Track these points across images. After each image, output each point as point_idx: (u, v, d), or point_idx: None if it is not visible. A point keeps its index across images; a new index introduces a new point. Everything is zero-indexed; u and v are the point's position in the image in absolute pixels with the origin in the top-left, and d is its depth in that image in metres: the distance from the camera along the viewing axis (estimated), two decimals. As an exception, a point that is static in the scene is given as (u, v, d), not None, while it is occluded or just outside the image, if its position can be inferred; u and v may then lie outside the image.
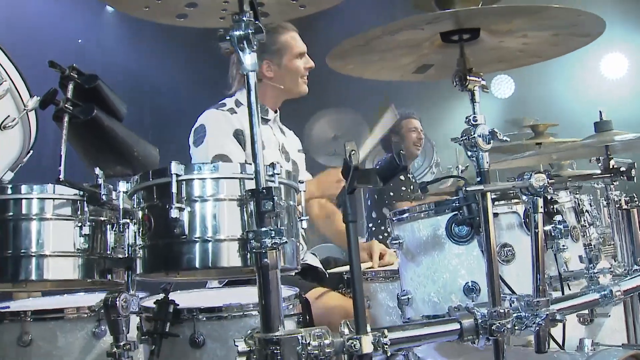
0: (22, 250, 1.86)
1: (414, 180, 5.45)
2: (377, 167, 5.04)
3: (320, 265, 3.24)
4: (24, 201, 1.89)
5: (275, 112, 3.43)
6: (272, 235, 1.56)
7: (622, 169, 2.22)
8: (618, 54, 8.51)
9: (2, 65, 2.01)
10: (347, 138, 6.47)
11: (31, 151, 2.22)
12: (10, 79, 2.03)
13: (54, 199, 1.89)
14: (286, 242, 1.58)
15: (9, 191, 1.90)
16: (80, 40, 7.29)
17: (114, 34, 7.40)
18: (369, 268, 2.94)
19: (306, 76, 3.38)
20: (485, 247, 1.74)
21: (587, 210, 2.66)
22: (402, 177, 5.15)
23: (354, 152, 1.48)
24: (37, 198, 1.89)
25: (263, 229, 1.57)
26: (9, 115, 2.02)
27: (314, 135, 6.41)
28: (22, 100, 2.05)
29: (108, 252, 1.92)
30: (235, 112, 3.21)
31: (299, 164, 3.46)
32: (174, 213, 1.65)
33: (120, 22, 7.33)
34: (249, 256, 1.68)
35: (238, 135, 3.12)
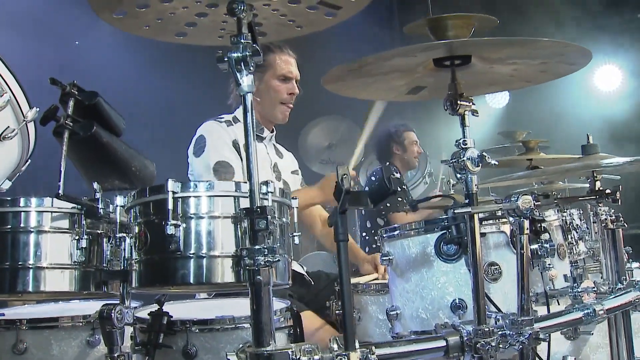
0: (20, 262, 1.90)
1: (408, 191, 5.52)
2: (372, 177, 5.07)
3: (305, 274, 3.29)
4: (22, 214, 1.94)
5: (272, 131, 3.47)
6: (265, 253, 1.61)
7: (608, 191, 2.28)
8: (612, 66, 8.59)
9: (2, 77, 2.04)
10: (341, 146, 6.56)
11: (29, 160, 2.26)
12: (11, 90, 2.06)
13: (51, 212, 1.94)
14: (279, 260, 1.63)
15: (8, 204, 1.94)
16: (77, 42, 7.31)
17: (110, 36, 7.41)
18: (374, 280, 2.99)
19: (288, 104, 3.35)
20: (472, 267, 1.79)
21: (576, 225, 2.72)
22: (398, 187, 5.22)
23: (345, 175, 1.52)
24: (36, 211, 1.94)
25: (257, 246, 1.62)
26: (8, 127, 2.06)
27: (308, 143, 6.47)
28: (22, 112, 2.09)
29: (104, 265, 1.97)
30: (232, 125, 3.26)
31: (291, 184, 3.48)
32: (170, 229, 1.69)
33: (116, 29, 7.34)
34: (242, 272, 1.71)
35: (235, 145, 3.16)
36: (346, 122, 6.71)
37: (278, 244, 1.69)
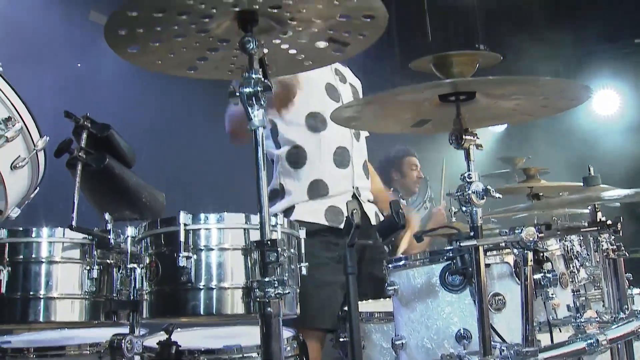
0: (31, 292, 1.93)
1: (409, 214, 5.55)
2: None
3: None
4: (34, 244, 1.97)
5: None
6: (276, 285, 1.64)
7: (609, 222, 2.31)
8: (610, 91, 8.69)
9: (15, 106, 2.08)
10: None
11: (37, 188, 2.29)
12: (22, 120, 2.10)
13: (63, 242, 1.97)
14: (289, 292, 1.66)
15: (20, 235, 1.98)
16: (79, 65, 7.36)
17: (113, 58, 7.43)
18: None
19: None
20: (477, 298, 1.82)
21: (577, 252, 2.75)
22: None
23: (355, 210, 1.56)
24: (47, 241, 1.97)
25: (267, 279, 1.65)
26: (19, 156, 2.09)
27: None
28: (33, 140, 2.12)
29: (114, 294, 2.00)
30: None
31: (357, 87, 3.36)
32: (182, 261, 1.73)
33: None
34: (252, 304, 1.74)
35: None
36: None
37: (287, 276, 1.72)
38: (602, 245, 2.50)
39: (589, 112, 8.52)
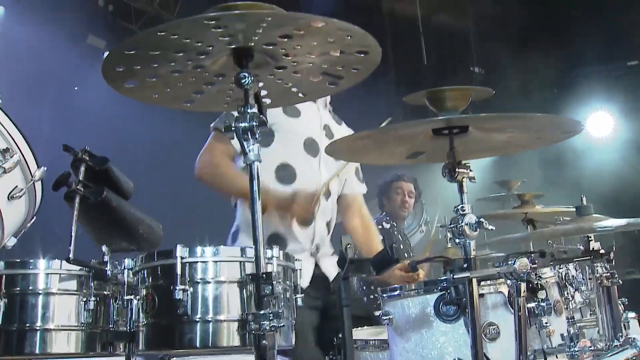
0: (28, 324, 1.93)
1: (406, 239, 5.56)
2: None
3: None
4: (31, 276, 1.98)
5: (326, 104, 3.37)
6: (271, 318, 1.66)
7: (602, 251, 2.34)
8: (603, 113, 8.76)
9: (13, 138, 2.10)
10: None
11: (34, 217, 2.30)
12: (20, 151, 2.12)
13: (60, 274, 1.98)
14: (284, 325, 1.67)
15: (17, 266, 1.99)
16: (76, 88, 7.40)
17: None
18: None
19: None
20: (471, 329, 1.83)
21: (572, 276, 2.77)
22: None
23: (349, 245, 1.58)
24: (44, 273, 1.98)
25: (262, 311, 1.66)
26: (16, 186, 2.11)
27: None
28: (30, 171, 2.14)
29: (110, 326, 2.01)
30: None
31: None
32: (178, 294, 1.74)
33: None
34: (247, 336, 1.75)
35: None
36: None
37: (282, 308, 1.73)
38: (597, 271, 2.53)
39: (583, 134, 8.57)
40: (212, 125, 3.05)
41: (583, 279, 3.02)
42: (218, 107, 2.09)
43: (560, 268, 2.63)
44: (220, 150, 3.04)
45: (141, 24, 7.76)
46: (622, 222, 2.22)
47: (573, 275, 2.79)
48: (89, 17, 7.23)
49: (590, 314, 3.10)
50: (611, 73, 8.61)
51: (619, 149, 8.19)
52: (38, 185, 2.22)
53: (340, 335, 2.83)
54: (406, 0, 8.53)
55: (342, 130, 3.33)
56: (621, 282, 2.51)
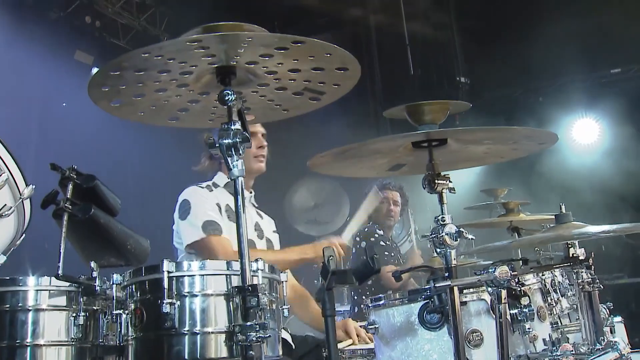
0: (17, 341, 1.95)
1: (395, 246, 5.61)
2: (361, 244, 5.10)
3: (289, 338, 3.33)
4: (20, 293, 1.99)
5: (250, 192, 3.59)
6: (257, 329, 1.71)
7: (582, 257, 2.39)
8: (589, 120, 8.86)
9: (1, 157, 2.14)
10: (327, 206, 6.64)
11: (24, 235, 2.33)
12: (9, 170, 2.15)
13: (49, 290, 2.00)
14: (270, 336, 1.71)
15: (7, 284, 2.01)
16: (64, 104, 7.42)
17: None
18: (350, 345, 3.05)
19: (259, 157, 3.50)
20: (453, 337, 1.88)
21: (558, 282, 2.82)
22: (384, 243, 5.33)
23: (331, 257, 1.62)
24: (34, 290, 2.00)
25: (248, 323, 1.71)
26: (5, 204, 2.14)
27: (294, 203, 6.56)
28: (19, 189, 2.17)
29: (100, 340, 2.03)
30: (212, 190, 3.42)
31: (273, 242, 3.60)
32: (166, 308, 1.77)
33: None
34: (234, 347, 1.79)
35: (218, 207, 3.31)
36: (331, 182, 6.84)
37: (269, 319, 1.77)
38: (582, 276, 2.57)
39: (569, 140, 8.66)
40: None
41: (570, 284, 3.07)
42: (203, 124, 2.13)
43: (543, 275, 2.67)
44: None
45: (128, 39, 7.81)
46: (599, 228, 2.28)
47: (559, 282, 2.84)
48: (76, 33, 7.27)
49: (577, 319, 3.15)
50: (596, 81, 8.72)
51: (605, 156, 8.27)
52: (27, 203, 2.25)
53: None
54: (392, 13, 8.61)
55: (266, 223, 3.64)
56: (602, 287, 2.56)
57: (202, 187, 3.42)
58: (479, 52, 8.54)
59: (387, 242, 5.31)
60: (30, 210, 2.26)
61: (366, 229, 5.28)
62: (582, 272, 2.59)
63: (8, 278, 2.04)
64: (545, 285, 2.68)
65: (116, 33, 7.72)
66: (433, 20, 8.92)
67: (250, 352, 1.70)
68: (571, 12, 8.02)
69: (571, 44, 7.93)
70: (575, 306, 3.12)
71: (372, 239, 5.18)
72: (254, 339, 1.70)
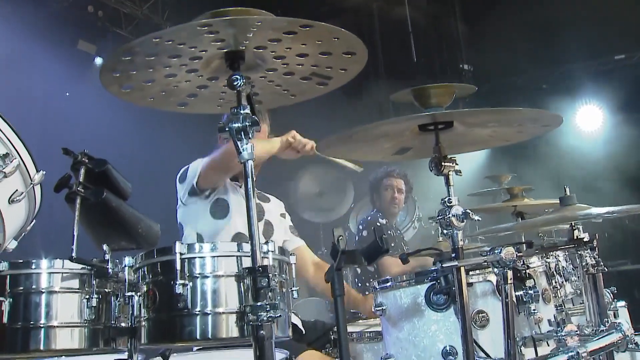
0: (32, 322, 1.99)
1: (399, 234, 5.62)
2: (359, 226, 5.14)
3: (299, 324, 3.38)
4: (34, 275, 2.03)
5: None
6: (268, 309, 1.74)
7: (586, 239, 2.42)
8: (593, 107, 8.87)
9: (12, 143, 2.16)
10: (331, 193, 6.67)
11: (34, 221, 2.36)
12: (19, 156, 2.18)
13: (62, 273, 2.04)
14: (280, 315, 1.74)
15: (20, 267, 2.04)
16: (67, 94, 7.43)
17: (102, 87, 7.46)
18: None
19: None
20: (460, 316, 1.91)
21: (562, 267, 2.85)
22: (385, 233, 5.32)
23: (341, 237, 1.65)
24: (47, 272, 2.03)
25: (259, 303, 1.74)
26: (16, 190, 2.17)
27: (299, 190, 6.59)
28: (29, 175, 2.20)
29: (112, 322, 2.07)
30: None
31: (274, 225, 3.62)
32: (178, 289, 1.80)
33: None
34: (245, 328, 1.82)
35: None
36: (336, 169, 6.86)
37: (279, 300, 1.80)
38: (586, 260, 2.60)
39: (573, 127, 8.68)
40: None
41: (575, 268, 3.10)
42: (211, 109, 2.15)
43: (548, 258, 2.70)
44: None
45: (131, 29, 7.82)
46: (604, 210, 2.30)
47: (563, 266, 2.87)
48: (79, 22, 7.28)
49: (581, 303, 3.18)
50: (599, 67, 8.73)
51: (608, 142, 8.29)
52: (37, 189, 2.28)
53: (335, 329, 2.94)
54: (394, 1, 8.61)
55: (271, 205, 3.68)
56: (606, 270, 2.59)
57: None
58: (482, 39, 8.53)
59: (390, 232, 5.31)
60: (41, 196, 2.29)
61: (369, 217, 5.28)
62: (586, 255, 2.62)
63: (21, 261, 2.07)
64: (550, 268, 2.71)
65: (119, 22, 7.73)
66: (435, 7, 8.92)
67: (261, 332, 1.73)
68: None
69: (574, 32, 7.93)
70: (579, 291, 3.15)
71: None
72: (265, 318, 1.73)
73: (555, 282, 2.76)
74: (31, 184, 2.19)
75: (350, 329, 3.07)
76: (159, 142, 7.37)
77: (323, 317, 3.74)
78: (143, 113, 6.94)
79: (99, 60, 7.58)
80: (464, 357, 1.92)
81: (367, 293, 4.85)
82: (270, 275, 1.75)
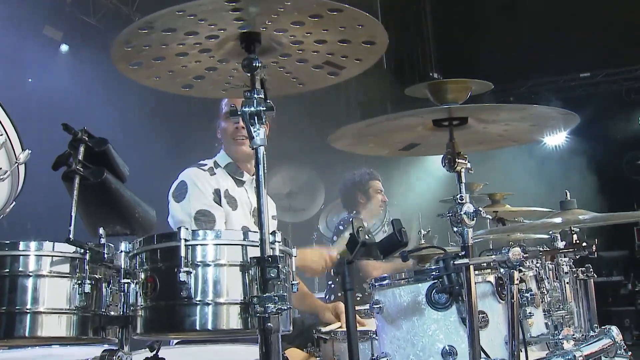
0: (17, 307, 1.88)
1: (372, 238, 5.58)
2: (340, 226, 5.09)
3: None
4: (21, 257, 1.91)
5: (252, 175, 3.48)
6: (276, 300, 1.67)
7: (584, 244, 2.43)
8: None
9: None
10: (301, 193, 6.63)
11: (14, 202, 2.24)
12: (6, 133, 2.07)
13: (52, 256, 1.92)
14: (289, 307, 1.69)
15: (6, 248, 1.93)
16: (30, 80, 7.21)
17: (67, 74, 7.29)
18: (339, 328, 3.03)
19: (237, 138, 3.34)
20: (467, 315, 1.88)
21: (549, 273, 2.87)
22: (368, 236, 5.27)
23: (361, 228, 1.60)
24: (35, 255, 1.92)
25: (266, 294, 1.67)
26: (0, 168, 2.06)
27: (268, 191, 6.51)
28: (15, 153, 2.09)
29: (102, 310, 1.97)
30: (214, 173, 3.31)
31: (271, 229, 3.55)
32: (182, 277, 1.72)
33: (74, 62, 7.26)
34: (249, 320, 1.75)
35: (217, 194, 3.21)
36: (306, 170, 6.82)
37: (287, 291, 1.75)
38: (573, 270, 2.62)
39: (537, 142, 8.85)
40: None
41: (565, 273, 3.12)
42: (215, 94, 2.09)
43: (537, 263, 2.71)
44: None
45: (99, 17, 7.64)
46: (603, 215, 2.32)
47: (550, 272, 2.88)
48: (46, 8, 7.08)
49: (561, 307, 3.20)
50: (566, 83, 8.93)
51: (572, 155, 8.50)
52: (22, 169, 2.17)
53: (320, 329, 2.89)
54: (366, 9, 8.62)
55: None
56: (595, 276, 2.61)
57: (204, 170, 3.31)
58: (452, 47, 8.63)
59: (369, 235, 5.27)
60: (24, 177, 2.19)
61: (351, 219, 5.24)
62: (565, 264, 2.64)
63: (8, 242, 1.96)
64: (539, 273, 2.72)
65: (87, 10, 7.55)
66: (408, 14, 8.98)
67: (269, 324, 1.67)
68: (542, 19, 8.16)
69: (543, 48, 8.09)
70: (559, 297, 3.18)
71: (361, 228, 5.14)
72: (273, 310, 1.67)
73: (543, 287, 2.77)
74: (16, 162, 2.09)
75: (332, 327, 3.03)
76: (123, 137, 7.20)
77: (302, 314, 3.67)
78: (111, 101, 6.77)
79: (64, 48, 7.38)
80: (470, 356, 1.89)
81: (339, 295, 4.82)
82: (280, 265, 1.69)
